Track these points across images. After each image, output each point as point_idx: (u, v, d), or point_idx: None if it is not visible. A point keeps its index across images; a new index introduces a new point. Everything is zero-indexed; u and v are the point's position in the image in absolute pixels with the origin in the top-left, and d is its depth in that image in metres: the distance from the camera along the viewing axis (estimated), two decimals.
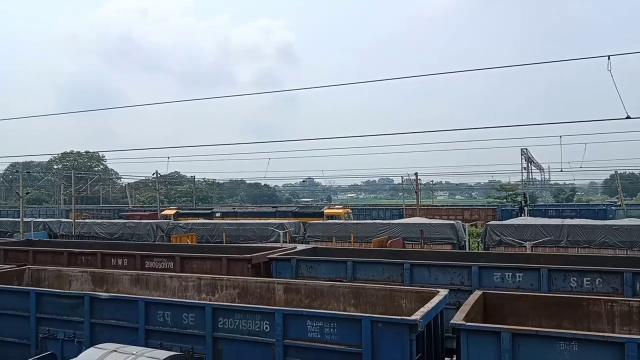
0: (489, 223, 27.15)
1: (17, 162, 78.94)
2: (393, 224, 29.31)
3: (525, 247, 22.13)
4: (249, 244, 23.70)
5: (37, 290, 10.14)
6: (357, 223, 32.54)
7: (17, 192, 40.08)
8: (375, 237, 25.49)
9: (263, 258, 13.51)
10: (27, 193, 40.38)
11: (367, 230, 28.33)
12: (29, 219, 39.74)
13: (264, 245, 22.48)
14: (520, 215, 39.20)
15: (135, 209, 70.08)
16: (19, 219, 36.86)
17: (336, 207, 52.23)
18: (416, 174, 52.75)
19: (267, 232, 30.74)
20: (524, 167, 48.00)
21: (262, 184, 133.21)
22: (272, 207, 60.78)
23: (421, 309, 7.48)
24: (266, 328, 7.87)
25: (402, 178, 65.92)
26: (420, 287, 10.18)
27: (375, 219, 45.93)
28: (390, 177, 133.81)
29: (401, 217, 45.98)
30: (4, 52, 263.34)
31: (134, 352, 6.32)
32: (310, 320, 7.62)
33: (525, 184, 48.90)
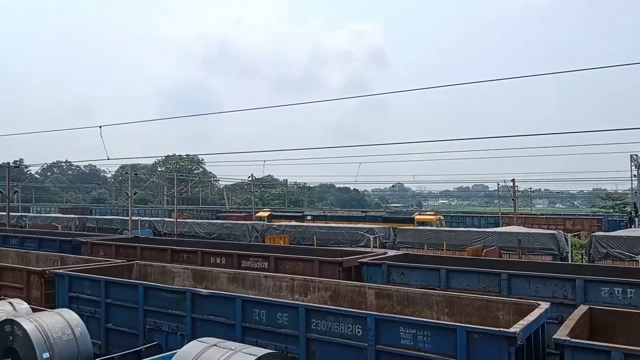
0: (594, 234, 25.37)
1: (126, 165, 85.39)
2: (488, 232, 28.21)
3: (637, 261, 20.44)
4: (339, 247, 23.86)
5: (144, 284, 10.88)
6: (450, 230, 31.70)
7: (126, 193, 43.24)
8: (469, 246, 24.70)
9: (354, 262, 13.55)
10: (135, 193, 43.45)
11: (461, 238, 27.52)
12: (136, 218, 42.72)
13: (354, 249, 22.56)
14: (630, 227, 36.28)
15: (231, 210, 73.10)
16: (127, 218, 39.73)
17: (427, 213, 51.16)
18: (513, 180, 50.48)
19: (357, 237, 30.80)
20: (634, 175, 44.29)
21: (352, 189, 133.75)
22: (362, 211, 60.80)
23: (520, 322, 7.14)
24: (358, 332, 7.89)
25: (498, 185, 63.42)
26: (519, 298, 9.73)
27: (469, 227, 44.53)
28: (485, 184, 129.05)
29: (497, 225, 44.20)
30: (112, 56, 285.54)
31: (233, 348, 6.58)
32: (403, 326, 7.53)
33: (636, 192, 45.10)
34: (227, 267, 14.76)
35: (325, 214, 53.84)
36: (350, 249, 22.36)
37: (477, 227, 43.65)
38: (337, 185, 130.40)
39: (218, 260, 15.70)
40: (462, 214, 65.42)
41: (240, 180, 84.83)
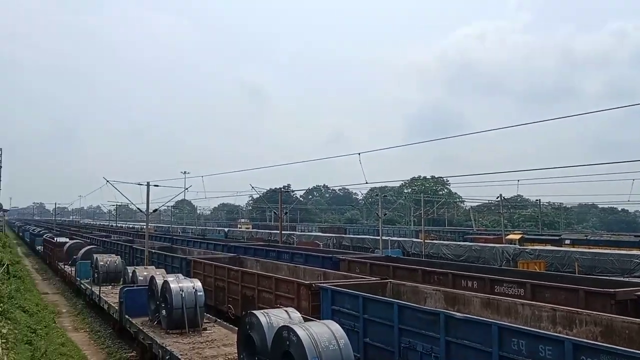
0: None
1: (375, 187, 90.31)
2: None
3: None
4: (608, 277, 21.01)
5: (399, 303, 11.20)
6: None
7: (376, 214, 45.58)
8: None
9: (631, 294, 11.77)
10: (385, 214, 45.49)
11: None
12: (386, 238, 44.64)
13: (628, 279, 19.61)
14: None
15: (479, 232, 70.88)
16: (378, 237, 41.79)
17: None
18: None
19: (631, 265, 26.74)
20: None
21: (619, 209, 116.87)
22: (635, 236, 52.57)
23: None
24: None
25: None
26: None
27: None
28: None
29: None
30: (362, 89, 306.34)
31: None
32: None
33: None
34: (478, 291, 14.31)
35: (588, 237, 48.16)
36: (622, 279, 19.50)
37: None
38: (600, 206, 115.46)
39: (469, 284, 15.35)
40: None
41: (487, 201, 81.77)
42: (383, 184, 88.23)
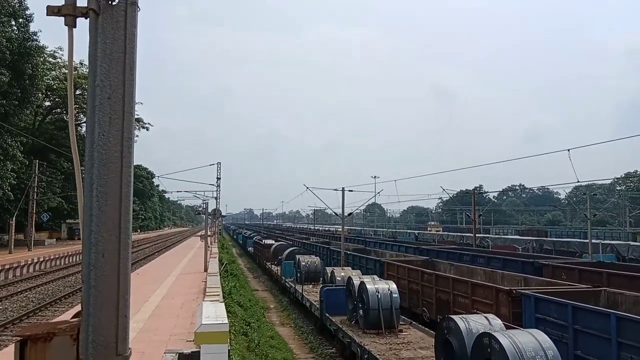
0: None
1: (581, 185, 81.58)
2: None
3: None
4: None
5: (618, 314, 9.96)
6: None
7: (584, 214, 41.21)
8: None
9: None
10: (595, 215, 40.90)
11: None
12: (596, 241, 40.05)
13: None
14: None
15: None
16: (586, 240, 37.69)
17: None
18: None
19: None
20: None
21: None
22: None
23: None
24: None
25: None
26: None
27: None
28: None
29: None
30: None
31: None
32: None
33: None
34: None
35: None
36: None
37: None
38: None
39: None
40: None
41: None
42: (590, 182, 79.36)
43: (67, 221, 61.70)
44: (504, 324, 9.94)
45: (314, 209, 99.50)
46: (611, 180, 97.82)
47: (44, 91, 48.40)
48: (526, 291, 12.76)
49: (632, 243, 42.70)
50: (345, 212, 28.90)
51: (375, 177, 72.07)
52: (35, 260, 32.95)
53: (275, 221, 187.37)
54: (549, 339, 8.17)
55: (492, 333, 8.18)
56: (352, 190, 29.15)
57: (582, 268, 18.25)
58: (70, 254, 39.60)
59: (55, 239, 56.62)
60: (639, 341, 9.18)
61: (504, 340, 7.83)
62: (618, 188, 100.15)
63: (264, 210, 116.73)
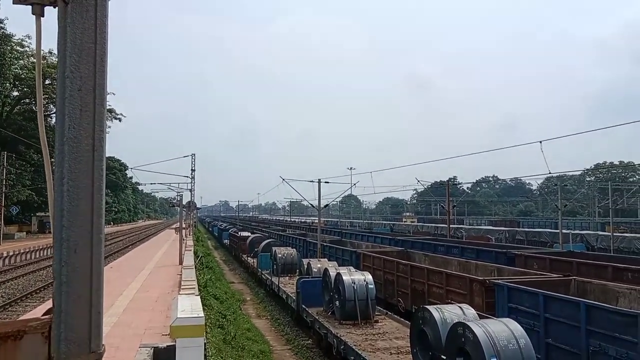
0: None
1: (552, 176, 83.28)
2: None
3: None
4: None
5: (586, 302, 10.21)
6: None
7: (555, 205, 42.10)
8: None
9: None
10: (565, 206, 41.83)
11: None
12: (566, 231, 40.98)
13: None
14: None
15: None
16: (557, 230, 38.55)
17: None
18: None
19: None
20: None
21: None
22: None
23: None
24: None
25: None
26: None
27: None
28: None
29: None
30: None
31: None
32: None
33: None
34: None
35: None
36: None
37: None
38: None
39: None
40: None
41: None
42: (561, 173, 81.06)
43: (38, 214, 60.46)
44: (477, 313, 10.11)
45: (291, 201, 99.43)
46: (581, 171, 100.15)
47: (11, 81, 47.13)
48: (499, 281, 12.98)
49: (600, 233, 43.84)
50: (322, 203, 28.93)
51: (351, 168, 72.38)
52: (5, 255, 32.19)
53: (251, 213, 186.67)
54: (521, 327, 8.33)
55: (466, 323, 8.31)
56: (328, 182, 29.21)
57: (553, 258, 18.65)
58: (41, 247, 38.79)
59: (25, 233, 55.39)
60: (607, 329, 9.42)
61: (477, 330, 7.97)
62: (588, 179, 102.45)
63: (240, 203, 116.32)
